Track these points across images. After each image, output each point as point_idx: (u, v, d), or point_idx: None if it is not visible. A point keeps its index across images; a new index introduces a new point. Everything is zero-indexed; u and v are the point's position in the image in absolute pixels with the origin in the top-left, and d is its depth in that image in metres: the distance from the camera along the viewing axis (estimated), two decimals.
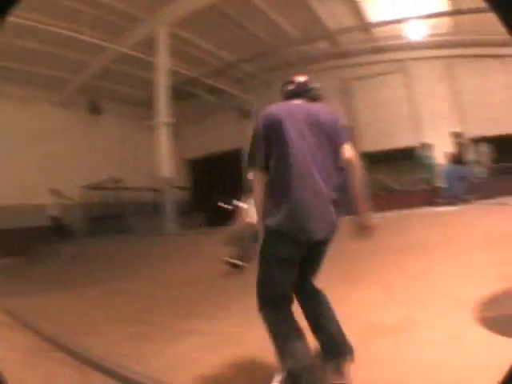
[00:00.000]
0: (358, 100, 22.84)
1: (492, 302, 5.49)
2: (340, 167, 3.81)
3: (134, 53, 18.65)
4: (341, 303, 6.49)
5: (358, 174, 3.85)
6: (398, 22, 19.13)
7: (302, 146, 3.64)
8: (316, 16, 18.26)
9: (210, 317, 6.76)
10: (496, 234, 8.11)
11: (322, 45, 19.44)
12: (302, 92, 4.17)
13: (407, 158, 21.78)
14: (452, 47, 21.80)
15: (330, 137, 3.79)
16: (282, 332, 3.59)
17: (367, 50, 22.56)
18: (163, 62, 17.69)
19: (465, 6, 18.17)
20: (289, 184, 3.55)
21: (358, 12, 18.57)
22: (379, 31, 20.52)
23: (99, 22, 16.18)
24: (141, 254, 12.82)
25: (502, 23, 1.66)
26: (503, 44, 21.52)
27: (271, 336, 3.60)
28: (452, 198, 12.58)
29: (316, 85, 4.28)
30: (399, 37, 20.81)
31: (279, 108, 3.92)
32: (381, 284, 6.97)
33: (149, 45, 18.13)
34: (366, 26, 19.44)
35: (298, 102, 4.08)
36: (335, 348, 3.77)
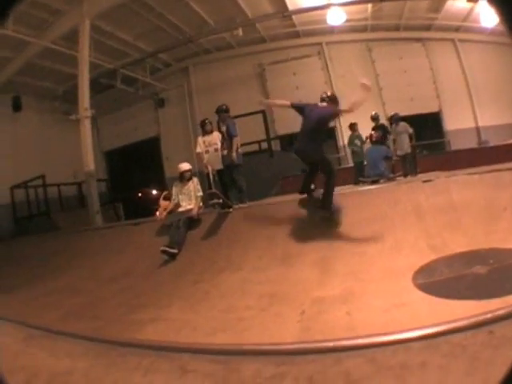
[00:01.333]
0: (275, 83, 22.74)
1: (426, 270, 5.93)
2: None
3: (56, 47, 18.18)
4: (280, 282, 6.83)
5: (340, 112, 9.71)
6: (318, 8, 19.36)
7: (307, 117, 9.37)
8: (236, 3, 18.29)
9: (159, 306, 6.87)
10: (424, 210, 8.50)
11: (241, 32, 19.34)
12: (322, 99, 9.66)
13: (329, 138, 22.21)
14: (372, 31, 22.56)
15: (323, 115, 9.28)
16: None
17: (285, 34, 22.75)
18: (85, 54, 17.35)
19: None
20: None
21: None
22: (299, 17, 20.72)
23: (22, 16, 15.62)
24: (71, 250, 12.34)
25: (502, 22, 1.75)
26: (426, 28, 22.45)
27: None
28: (377, 177, 12.97)
29: (326, 94, 9.94)
30: (319, 21, 21.05)
31: (309, 103, 9.82)
32: (316, 262, 7.30)
33: (68, 37, 17.81)
34: (285, 14, 19.51)
35: (321, 104, 9.59)
36: None
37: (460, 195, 8.61)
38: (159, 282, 8.63)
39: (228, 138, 11.37)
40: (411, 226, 8.02)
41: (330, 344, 2.91)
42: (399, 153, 14.29)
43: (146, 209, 16.31)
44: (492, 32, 21.77)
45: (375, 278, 6.02)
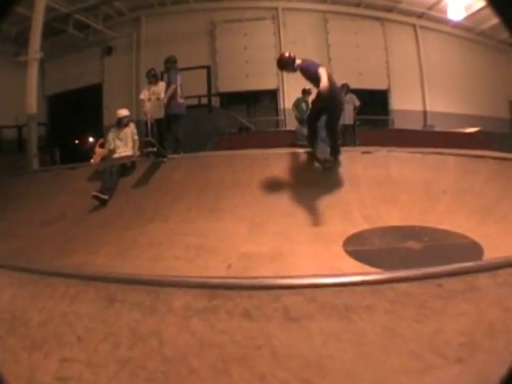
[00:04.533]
0: (224, 42, 22.56)
1: (358, 239, 5.92)
2: None
3: None
4: (208, 235, 6.75)
5: None
6: None
7: None
8: None
9: (88, 251, 6.77)
10: (360, 180, 8.54)
11: None
12: None
13: (266, 100, 22.34)
14: (332, 3, 22.49)
15: None
16: None
17: None
18: None
19: None
20: None
21: None
22: None
23: None
24: (7, 193, 12.10)
25: (502, 23, 1.70)
26: (388, 9, 22.44)
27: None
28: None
29: None
30: None
31: None
32: (245, 218, 7.28)
33: None
34: None
35: None
36: None
37: (399, 171, 8.68)
38: (90, 227, 8.49)
39: (167, 86, 11.28)
40: (345, 195, 8.07)
41: (266, 281, 2.82)
42: (341, 122, 14.39)
43: (83, 156, 16.07)
44: (455, 25, 22.12)
45: (305, 240, 6.00)
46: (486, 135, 17.48)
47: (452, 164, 8.58)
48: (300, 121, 14.86)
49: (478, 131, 18.42)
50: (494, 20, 20.66)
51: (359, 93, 15.62)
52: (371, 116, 20.35)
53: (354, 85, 15.56)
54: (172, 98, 11.10)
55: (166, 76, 11.75)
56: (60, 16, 20.66)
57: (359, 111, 15.13)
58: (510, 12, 1.66)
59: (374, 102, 21.54)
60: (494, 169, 8.09)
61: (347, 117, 14.27)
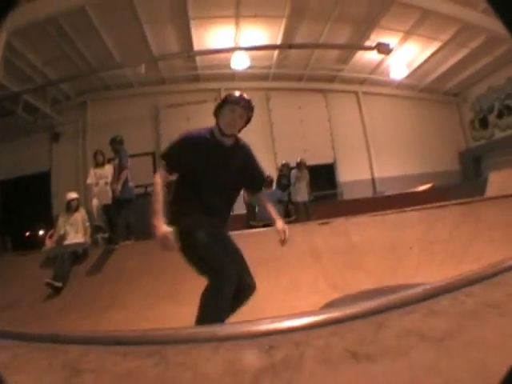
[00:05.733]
0: (168, 127, 22.16)
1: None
2: None
3: None
4: (170, 321, 6.49)
5: None
6: (224, 51, 19.28)
7: None
8: (144, 39, 17.91)
9: None
10: (321, 251, 8.50)
11: (143, 69, 18.99)
12: None
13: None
14: (274, 80, 22.78)
15: None
16: None
17: (186, 77, 22.81)
18: None
19: (298, 40, 18.81)
20: None
21: (184, 38, 18.40)
22: (202, 60, 20.72)
23: None
24: None
25: (503, 23, 1.61)
26: (329, 79, 23.04)
27: None
28: (269, 220, 12.85)
29: None
30: (221, 66, 21.04)
31: None
32: None
33: None
34: (190, 54, 19.31)
35: None
36: None
37: (360, 236, 8.74)
38: (45, 315, 8.16)
39: (118, 170, 11.09)
40: (308, 267, 8.02)
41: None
42: (300, 199, 14.39)
43: (34, 246, 15.73)
44: (399, 85, 23.04)
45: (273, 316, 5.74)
46: (438, 190, 17.96)
47: (415, 219, 8.70)
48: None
49: (430, 187, 19.02)
50: (436, 73, 21.61)
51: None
52: (318, 192, 19.95)
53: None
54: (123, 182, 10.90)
55: (116, 160, 11.48)
56: (10, 95, 20.36)
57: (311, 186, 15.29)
58: (510, 12, 1.60)
59: (321, 177, 21.67)
60: (460, 213, 8.26)
61: (302, 193, 14.39)
